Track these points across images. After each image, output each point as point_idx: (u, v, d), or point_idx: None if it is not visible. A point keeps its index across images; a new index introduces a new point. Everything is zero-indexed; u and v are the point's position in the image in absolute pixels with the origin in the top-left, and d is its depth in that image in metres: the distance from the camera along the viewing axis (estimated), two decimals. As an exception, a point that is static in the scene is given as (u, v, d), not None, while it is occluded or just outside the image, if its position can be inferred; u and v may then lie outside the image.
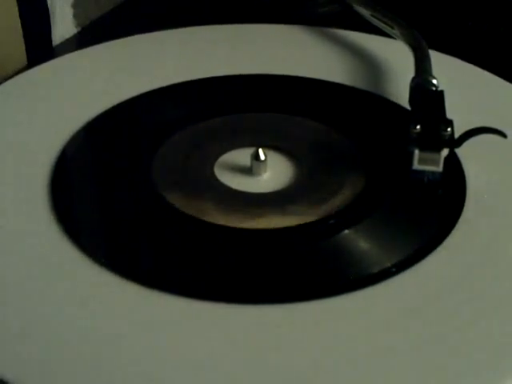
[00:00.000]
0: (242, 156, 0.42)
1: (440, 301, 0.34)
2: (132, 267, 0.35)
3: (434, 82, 0.43)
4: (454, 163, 0.40)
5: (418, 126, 0.39)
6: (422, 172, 0.39)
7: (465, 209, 0.38)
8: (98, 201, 0.40)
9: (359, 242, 0.36)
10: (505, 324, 0.33)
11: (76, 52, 0.52)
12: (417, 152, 0.38)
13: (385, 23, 0.50)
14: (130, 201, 0.39)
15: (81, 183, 0.41)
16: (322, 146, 0.43)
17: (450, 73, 0.47)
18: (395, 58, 0.49)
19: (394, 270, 0.35)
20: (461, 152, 0.40)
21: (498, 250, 0.36)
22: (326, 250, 0.36)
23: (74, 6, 0.57)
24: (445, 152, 0.38)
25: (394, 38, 0.49)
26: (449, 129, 0.38)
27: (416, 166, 0.38)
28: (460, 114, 0.40)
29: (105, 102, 0.46)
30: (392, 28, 0.49)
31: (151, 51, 0.51)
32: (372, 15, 0.51)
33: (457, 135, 0.39)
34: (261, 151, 0.41)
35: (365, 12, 0.52)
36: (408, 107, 0.42)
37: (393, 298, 0.34)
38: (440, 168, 0.38)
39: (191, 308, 0.33)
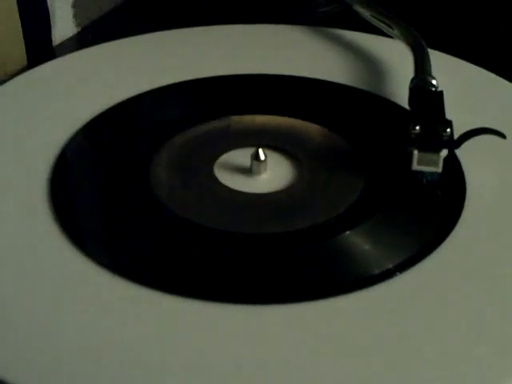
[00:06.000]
0: (241, 156, 0.42)
1: (440, 301, 0.34)
2: (132, 267, 0.35)
3: (434, 82, 0.43)
4: (453, 164, 0.40)
5: (418, 127, 0.39)
6: (422, 173, 0.39)
7: (465, 209, 0.38)
8: (97, 201, 0.40)
9: (360, 242, 0.36)
10: (505, 324, 0.33)
11: (76, 52, 0.52)
12: (416, 153, 0.38)
13: (384, 23, 0.50)
14: (130, 201, 0.39)
15: (80, 183, 0.41)
16: (322, 146, 0.43)
17: (450, 73, 0.47)
18: (395, 58, 0.49)
19: (394, 270, 0.35)
20: (461, 152, 0.40)
21: (498, 250, 0.36)
22: (327, 251, 0.36)
23: (74, 5, 0.57)
24: (444, 153, 0.38)
25: (394, 38, 0.49)
26: (448, 129, 0.38)
27: (415, 166, 0.38)
28: (460, 114, 0.40)
29: (105, 102, 0.46)
30: (391, 28, 0.49)
31: (151, 51, 0.52)
32: (372, 15, 0.51)
33: (457, 135, 0.39)
34: (261, 151, 0.41)
35: (364, 12, 0.52)
36: (408, 107, 0.42)
37: (393, 298, 0.34)
38: (439, 169, 0.38)
39: (191, 308, 0.33)
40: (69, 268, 0.35)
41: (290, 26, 0.54)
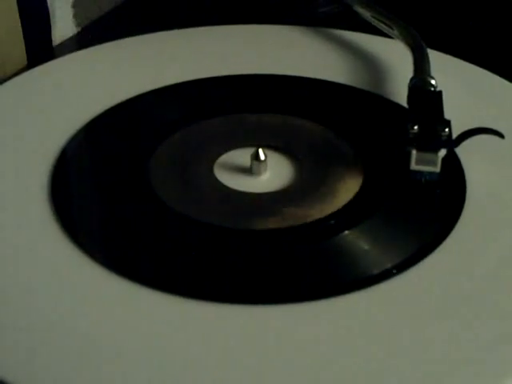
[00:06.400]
0: (241, 156, 0.42)
1: (440, 301, 0.34)
2: (132, 267, 0.35)
3: (433, 82, 0.43)
4: (454, 163, 0.40)
5: (416, 127, 0.39)
6: (420, 172, 0.39)
7: (465, 209, 0.38)
8: (97, 201, 0.40)
9: (359, 242, 0.36)
10: (505, 324, 0.33)
11: (76, 52, 0.52)
12: (414, 152, 0.38)
13: (384, 24, 0.50)
14: (129, 201, 0.39)
15: (80, 183, 0.41)
16: (322, 146, 0.43)
17: (450, 72, 0.47)
18: (395, 58, 0.49)
19: (393, 270, 0.35)
20: (461, 152, 0.40)
21: (498, 250, 0.36)
22: (326, 251, 0.36)
23: (74, 5, 0.57)
24: (442, 152, 0.38)
25: (394, 38, 0.49)
26: (446, 129, 0.38)
27: (413, 166, 0.38)
28: (460, 114, 0.40)
29: (105, 102, 0.46)
30: (391, 28, 0.49)
31: (151, 51, 0.51)
32: (372, 16, 0.51)
33: (456, 135, 0.39)
34: (261, 151, 0.41)
35: (364, 12, 0.52)
36: (407, 107, 0.42)
37: (393, 298, 0.34)
38: (438, 168, 0.38)
39: (191, 308, 0.33)
40: (69, 267, 0.35)
41: (290, 27, 0.54)
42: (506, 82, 0.47)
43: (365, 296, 0.34)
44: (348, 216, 0.38)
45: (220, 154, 0.42)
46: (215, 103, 0.47)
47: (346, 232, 0.37)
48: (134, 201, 0.39)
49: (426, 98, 0.42)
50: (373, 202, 0.39)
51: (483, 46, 0.55)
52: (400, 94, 0.45)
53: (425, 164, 0.38)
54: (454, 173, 0.40)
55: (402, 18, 0.49)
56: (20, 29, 0.52)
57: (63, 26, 0.57)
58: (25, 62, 0.53)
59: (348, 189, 0.40)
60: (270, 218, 0.38)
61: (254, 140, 0.43)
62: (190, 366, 0.31)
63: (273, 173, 0.41)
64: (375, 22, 0.51)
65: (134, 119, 0.45)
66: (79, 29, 0.58)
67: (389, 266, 0.35)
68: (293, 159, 0.42)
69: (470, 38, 0.56)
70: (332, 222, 0.38)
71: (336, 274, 0.35)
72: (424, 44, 0.46)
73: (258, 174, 0.41)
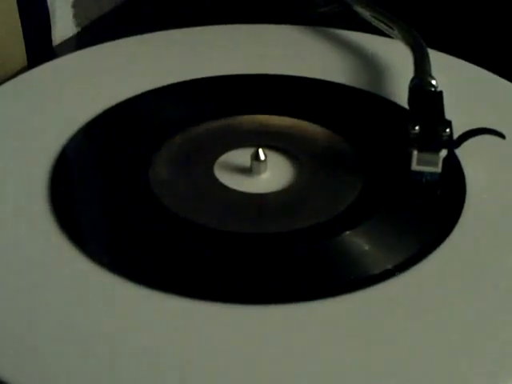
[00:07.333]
0: (241, 156, 0.42)
1: (440, 301, 0.34)
2: (132, 267, 0.35)
3: (433, 82, 0.43)
4: (453, 164, 0.40)
5: (417, 127, 0.39)
6: (421, 173, 0.39)
7: (465, 209, 0.38)
8: (97, 201, 0.40)
9: (359, 243, 0.36)
10: (505, 325, 0.33)
11: (76, 52, 0.52)
12: (415, 153, 0.38)
13: (384, 23, 0.50)
14: (129, 201, 0.39)
15: (80, 183, 0.41)
16: (322, 146, 0.43)
17: (450, 72, 0.47)
18: (395, 58, 0.49)
19: (394, 270, 0.35)
20: (461, 152, 0.40)
21: (497, 250, 0.36)
22: (326, 251, 0.36)
23: (74, 5, 0.57)
24: (443, 153, 0.38)
25: (394, 38, 0.49)
26: (447, 130, 0.39)
27: (414, 166, 0.39)
28: (459, 114, 0.40)
29: (105, 102, 0.46)
30: (391, 28, 0.49)
31: (151, 51, 0.52)
32: (372, 15, 0.51)
33: (457, 135, 0.39)
34: (261, 151, 0.41)
35: (364, 12, 0.52)
36: (408, 107, 0.42)
37: (393, 298, 0.34)
38: (439, 169, 0.38)
39: (191, 308, 0.33)
40: (69, 268, 0.35)
41: (290, 26, 0.54)
42: (506, 82, 0.47)
43: (365, 296, 0.34)
44: (348, 216, 0.38)
45: (220, 154, 0.42)
46: (215, 103, 0.47)
47: (347, 232, 0.37)
48: (133, 201, 0.39)
49: (426, 98, 0.42)
50: (373, 202, 0.39)
51: (483, 46, 0.55)
52: (400, 94, 0.45)
53: (426, 164, 0.38)
54: (453, 173, 0.40)
55: (402, 18, 0.49)
56: (20, 29, 0.52)
57: (63, 26, 0.57)
58: (25, 62, 0.53)
59: (348, 189, 0.40)
60: (270, 218, 0.38)
61: (254, 140, 0.43)
62: (190, 366, 0.31)
63: (273, 173, 0.41)
64: (375, 22, 0.51)
65: (133, 119, 0.45)
66: (79, 29, 0.58)
67: (389, 266, 0.35)
68: (293, 159, 0.42)
69: (470, 38, 0.56)
70: (332, 222, 0.37)
71: (336, 274, 0.35)
72: (424, 44, 0.46)
73: (258, 173, 0.41)
